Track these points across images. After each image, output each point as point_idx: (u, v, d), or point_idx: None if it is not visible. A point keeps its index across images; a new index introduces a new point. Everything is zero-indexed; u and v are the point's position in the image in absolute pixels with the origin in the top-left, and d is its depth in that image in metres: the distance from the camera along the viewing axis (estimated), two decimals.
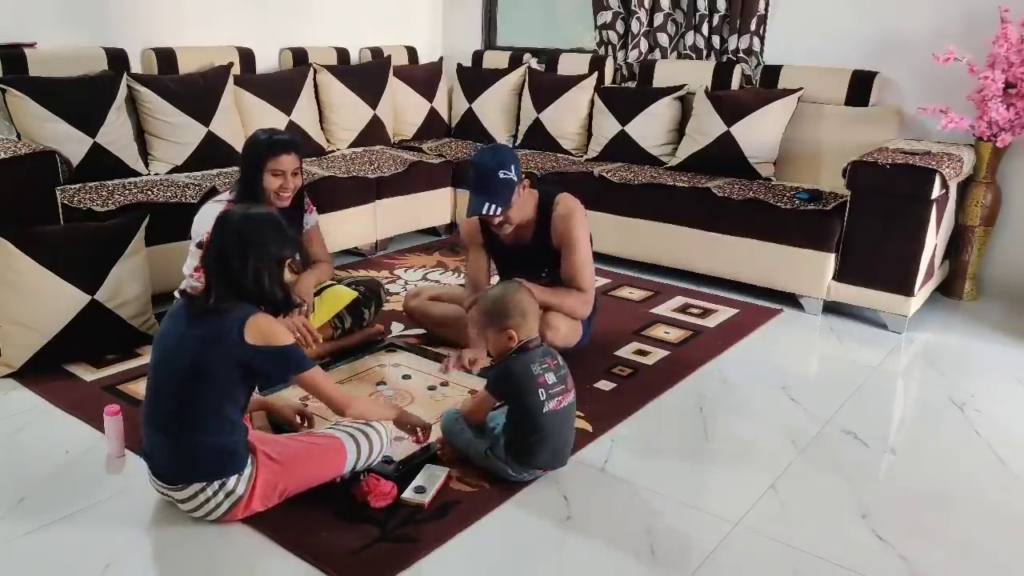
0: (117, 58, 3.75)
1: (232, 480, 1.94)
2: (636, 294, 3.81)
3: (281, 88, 4.29)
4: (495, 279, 3.06)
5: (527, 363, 2.18)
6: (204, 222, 2.70)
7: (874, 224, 3.40)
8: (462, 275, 3.15)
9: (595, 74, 4.66)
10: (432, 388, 2.76)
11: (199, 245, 2.73)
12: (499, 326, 2.24)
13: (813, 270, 3.58)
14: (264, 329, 1.93)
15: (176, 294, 2.92)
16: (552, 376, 2.19)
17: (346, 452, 2.06)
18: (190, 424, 1.92)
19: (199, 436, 1.91)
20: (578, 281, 2.83)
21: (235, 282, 1.95)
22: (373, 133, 4.69)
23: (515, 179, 2.70)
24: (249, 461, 1.96)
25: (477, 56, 5.26)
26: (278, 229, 2.03)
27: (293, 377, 2.05)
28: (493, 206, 2.68)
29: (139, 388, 2.67)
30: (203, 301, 1.95)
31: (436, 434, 2.35)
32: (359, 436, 2.10)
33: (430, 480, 2.15)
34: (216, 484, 1.93)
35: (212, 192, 3.40)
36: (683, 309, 3.62)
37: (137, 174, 3.64)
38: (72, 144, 3.38)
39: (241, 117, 4.06)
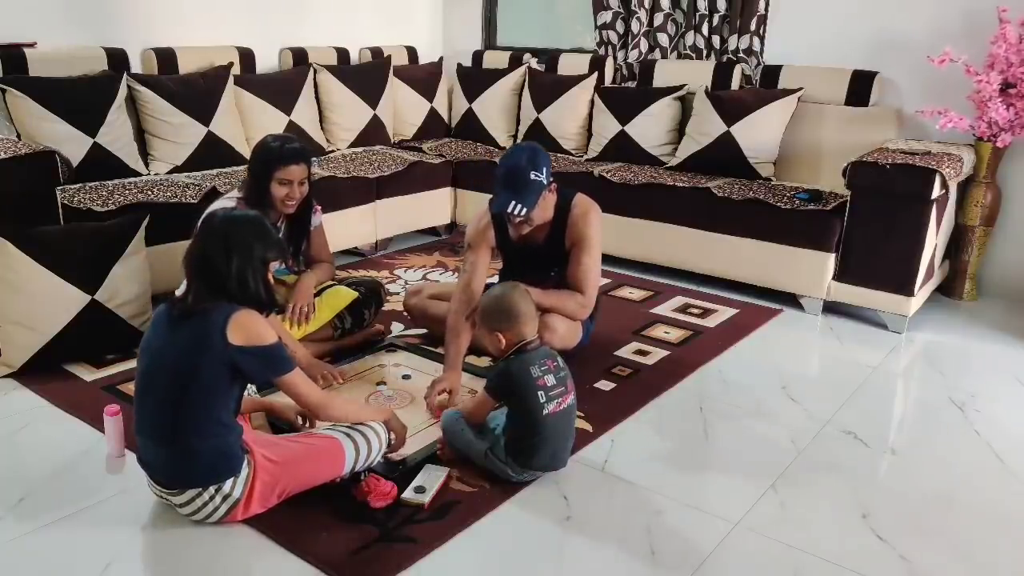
0: (117, 58, 3.76)
1: (228, 484, 1.93)
2: (636, 294, 3.81)
3: (281, 88, 4.29)
4: (493, 278, 3.06)
5: (526, 364, 2.18)
6: None
7: (874, 224, 3.40)
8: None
9: (595, 74, 4.66)
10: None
11: None
12: (489, 328, 2.26)
13: (813, 270, 3.58)
14: (247, 327, 1.90)
15: (177, 294, 2.93)
16: (552, 378, 2.19)
17: (344, 453, 2.06)
18: (182, 429, 1.90)
19: (192, 441, 1.90)
20: (582, 283, 2.83)
21: (219, 283, 1.93)
22: (373, 133, 4.69)
23: (544, 181, 2.68)
24: (246, 463, 1.96)
25: (477, 56, 5.26)
26: (262, 230, 2.01)
27: (274, 380, 1.98)
28: (519, 206, 2.65)
29: None
30: (182, 303, 1.94)
31: (437, 434, 2.36)
32: (358, 437, 2.09)
33: (430, 480, 2.15)
34: (212, 488, 1.93)
35: (212, 192, 3.41)
36: (683, 309, 3.62)
37: (137, 174, 3.64)
38: (72, 144, 3.38)
39: (241, 117, 4.06)
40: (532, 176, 2.65)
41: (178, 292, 2.89)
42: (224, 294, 1.93)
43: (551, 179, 2.74)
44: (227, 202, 2.79)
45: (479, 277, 2.85)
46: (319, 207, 3.06)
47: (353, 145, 4.62)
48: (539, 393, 2.14)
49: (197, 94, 3.86)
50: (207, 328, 1.88)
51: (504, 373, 2.20)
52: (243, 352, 1.89)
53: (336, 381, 2.74)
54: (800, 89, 4.04)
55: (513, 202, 2.65)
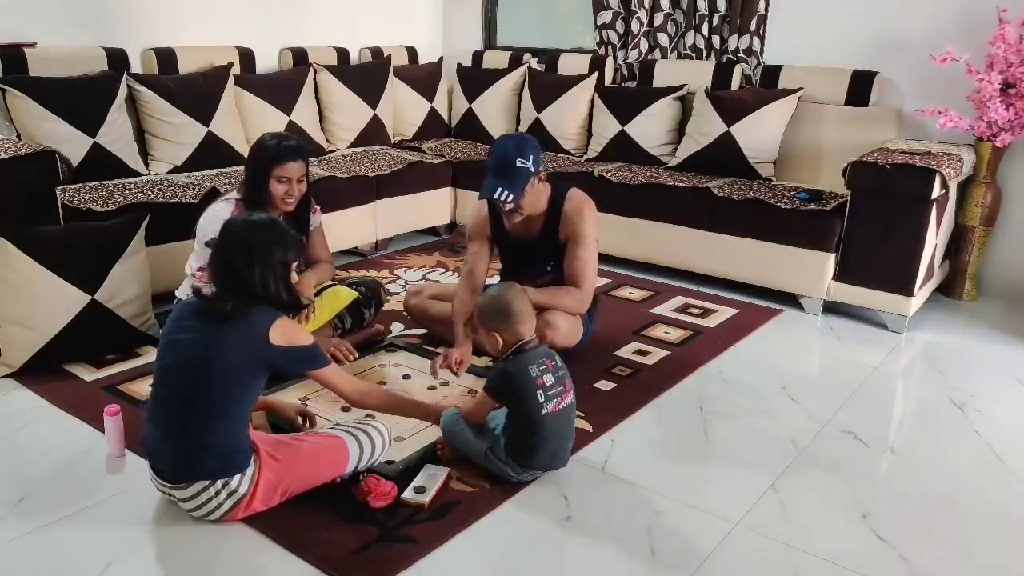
0: (117, 58, 3.76)
1: (235, 479, 1.94)
2: (636, 294, 3.81)
3: (281, 88, 4.29)
4: (494, 279, 3.06)
5: (525, 364, 2.18)
6: (212, 221, 2.71)
7: (874, 224, 3.40)
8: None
9: (595, 74, 4.66)
10: (432, 388, 2.75)
11: (208, 244, 2.73)
12: (487, 328, 2.26)
13: (813, 270, 3.58)
14: (289, 332, 2.00)
15: (177, 294, 2.93)
16: (550, 377, 2.19)
17: (348, 452, 2.07)
18: (199, 424, 1.92)
19: (207, 436, 1.92)
20: (579, 277, 2.84)
21: (245, 289, 1.97)
22: (373, 133, 4.69)
23: (531, 169, 2.70)
24: (252, 460, 1.97)
25: (477, 56, 5.26)
26: (281, 234, 2.06)
27: (311, 373, 2.10)
28: (505, 192, 2.68)
29: (139, 388, 2.67)
30: (222, 306, 1.96)
31: (437, 434, 2.36)
32: (361, 436, 2.10)
33: (430, 480, 2.15)
34: (219, 483, 1.93)
35: (212, 192, 3.41)
36: (683, 309, 3.62)
37: (137, 174, 3.64)
38: (72, 144, 3.38)
39: (241, 117, 4.06)
40: (519, 164, 2.67)
41: (178, 292, 2.91)
42: (253, 299, 1.98)
43: (541, 168, 2.75)
44: (225, 203, 2.79)
45: (480, 267, 2.93)
46: (318, 207, 3.06)
47: (353, 145, 4.62)
48: (538, 393, 2.15)
49: (197, 94, 3.86)
50: (250, 330, 1.95)
51: (503, 373, 2.20)
52: (283, 352, 1.98)
53: (348, 357, 2.85)
54: (800, 89, 4.04)
55: (500, 189, 2.67)
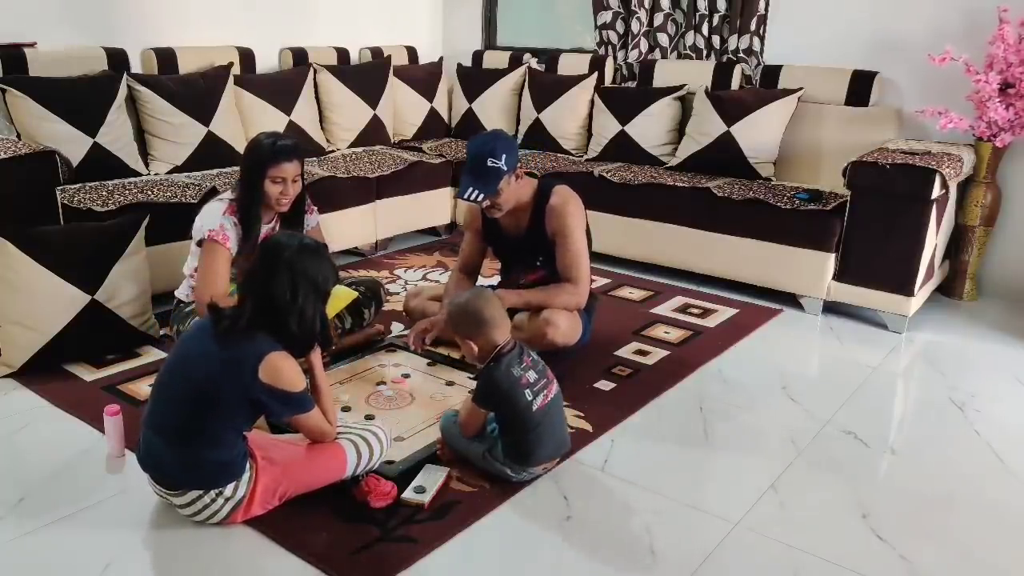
0: (117, 58, 3.75)
1: (230, 487, 1.93)
2: (636, 294, 3.81)
3: (281, 88, 4.29)
4: (495, 279, 3.06)
5: (508, 367, 2.17)
6: (206, 221, 2.71)
7: (874, 224, 3.40)
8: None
9: (595, 74, 4.66)
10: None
11: (199, 243, 2.73)
12: (461, 335, 2.27)
13: (813, 270, 3.58)
14: (279, 371, 1.90)
15: (176, 294, 2.93)
16: (533, 373, 2.19)
17: (346, 457, 2.06)
18: (193, 437, 1.90)
19: (200, 449, 1.90)
20: (571, 272, 2.86)
21: (278, 315, 1.93)
22: (373, 133, 4.69)
23: (503, 168, 2.72)
24: (248, 466, 1.96)
25: (477, 56, 5.26)
26: (327, 263, 2.04)
27: (292, 419, 2.00)
28: (475, 191, 2.73)
29: (139, 388, 2.67)
30: (232, 319, 1.92)
31: (436, 434, 2.36)
32: (359, 441, 2.09)
33: (430, 480, 2.15)
34: (213, 492, 1.93)
35: (212, 192, 3.40)
36: (683, 309, 3.62)
37: (137, 174, 3.64)
38: (72, 144, 3.38)
39: (241, 117, 4.06)
40: (490, 164, 2.71)
41: (178, 293, 2.91)
42: (280, 326, 1.93)
43: (516, 165, 2.79)
44: (219, 203, 2.77)
45: (471, 253, 3.08)
46: (314, 207, 3.04)
47: (353, 145, 4.62)
48: (525, 392, 2.15)
49: (197, 94, 3.85)
50: (244, 357, 1.88)
51: (489, 383, 2.18)
52: (269, 391, 1.89)
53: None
54: (800, 89, 4.04)
55: (471, 188, 2.73)
